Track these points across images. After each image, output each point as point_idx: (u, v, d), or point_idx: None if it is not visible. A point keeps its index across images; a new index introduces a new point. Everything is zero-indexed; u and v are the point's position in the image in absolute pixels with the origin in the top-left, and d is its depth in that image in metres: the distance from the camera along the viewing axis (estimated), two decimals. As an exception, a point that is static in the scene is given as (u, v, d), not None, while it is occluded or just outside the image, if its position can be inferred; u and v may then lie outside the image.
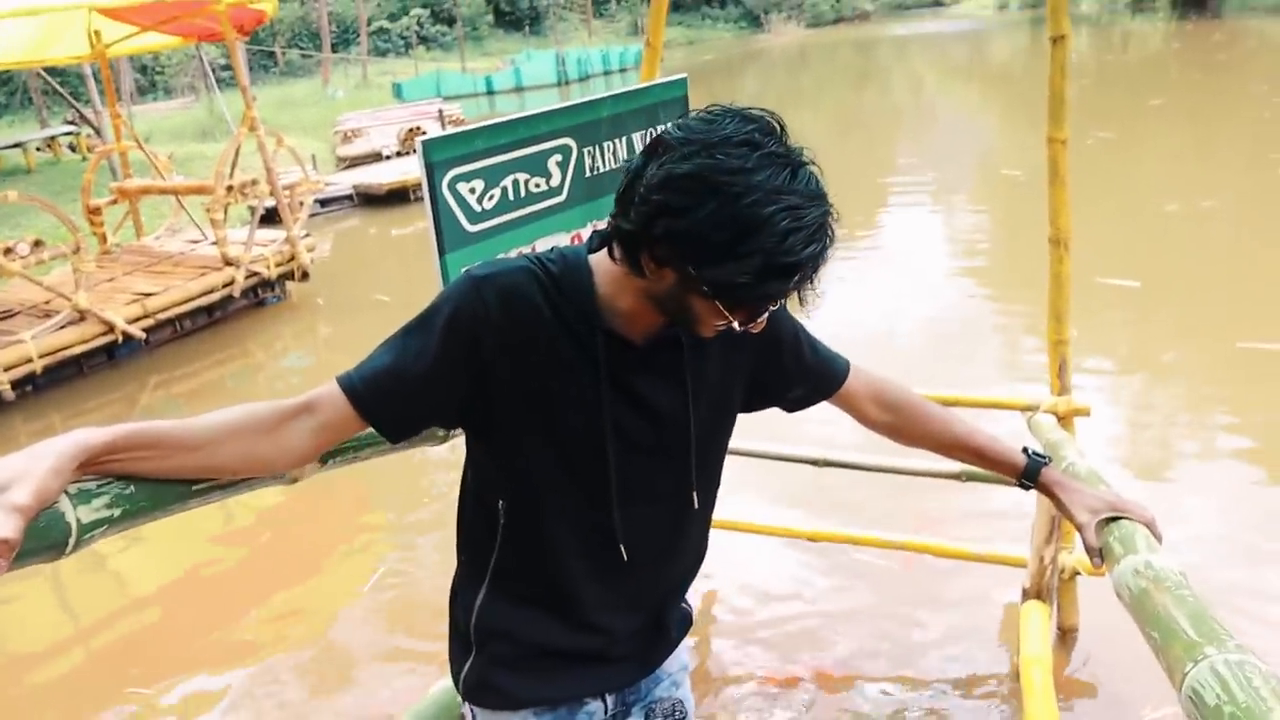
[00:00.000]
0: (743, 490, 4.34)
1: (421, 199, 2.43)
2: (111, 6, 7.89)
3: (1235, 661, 1.01)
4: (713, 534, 3.67)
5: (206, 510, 4.88)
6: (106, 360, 7.43)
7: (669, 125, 1.20)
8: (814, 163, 1.18)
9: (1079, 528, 1.55)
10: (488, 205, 2.60)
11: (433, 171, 2.43)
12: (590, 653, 1.47)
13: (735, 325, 1.22)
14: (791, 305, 1.27)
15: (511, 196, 2.66)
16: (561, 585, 1.43)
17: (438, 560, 4.02)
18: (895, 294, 7.56)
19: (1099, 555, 1.52)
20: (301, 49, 35.97)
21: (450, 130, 2.52)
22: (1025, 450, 1.62)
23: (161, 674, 3.41)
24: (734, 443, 3.23)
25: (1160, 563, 1.38)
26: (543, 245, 2.68)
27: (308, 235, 9.35)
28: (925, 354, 6.20)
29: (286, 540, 4.54)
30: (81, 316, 7.09)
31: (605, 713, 1.52)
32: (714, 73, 30.17)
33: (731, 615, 3.60)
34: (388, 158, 15.81)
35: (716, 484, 1.51)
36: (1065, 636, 3.18)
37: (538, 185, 2.74)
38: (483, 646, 1.46)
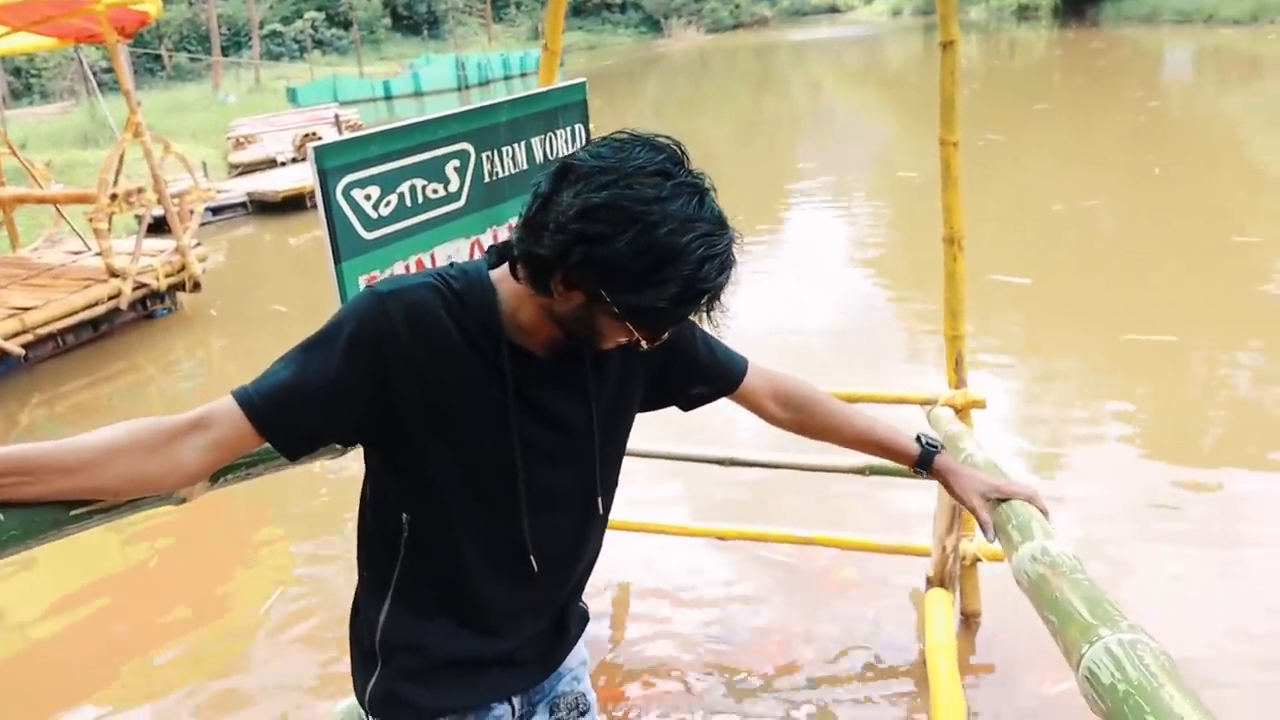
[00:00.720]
0: (651, 492, 4.35)
1: (318, 207, 2.36)
2: (-20, 6, 7.49)
3: (1128, 641, 1.04)
4: (623, 535, 3.68)
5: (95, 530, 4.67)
6: (-17, 379, 7.06)
7: (578, 151, 1.22)
8: (714, 189, 1.21)
9: (972, 509, 1.65)
10: (384, 212, 2.54)
11: (326, 179, 2.36)
12: (497, 658, 1.46)
13: (643, 343, 1.25)
14: (701, 323, 1.28)
15: (409, 203, 2.60)
16: (467, 595, 1.42)
17: (336, 577, 3.92)
18: (797, 294, 7.69)
19: (994, 532, 1.62)
20: (190, 52, 34.82)
21: (345, 136, 2.45)
22: (919, 439, 1.69)
23: (44, 711, 3.23)
24: (642, 445, 3.25)
25: (1055, 548, 1.42)
26: (442, 251, 2.64)
27: (199, 244, 9.03)
28: (827, 352, 6.32)
29: (179, 563, 4.36)
30: (-47, 334, 6.72)
31: (513, 715, 1.52)
32: (615, 77, 30.26)
33: (640, 612, 3.59)
34: (283, 164, 15.41)
35: (615, 486, 1.52)
36: (968, 622, 3.27)
37: (435, 191, 2.69)
38: (388, 660, 1.43)
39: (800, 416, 1.66)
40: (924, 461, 1.68)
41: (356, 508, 1.49)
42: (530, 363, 1.32)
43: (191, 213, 9.00)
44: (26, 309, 7.30)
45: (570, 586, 1.55)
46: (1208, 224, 8.71)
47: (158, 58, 33.01)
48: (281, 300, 8.68)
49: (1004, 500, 1.63)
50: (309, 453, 1.32)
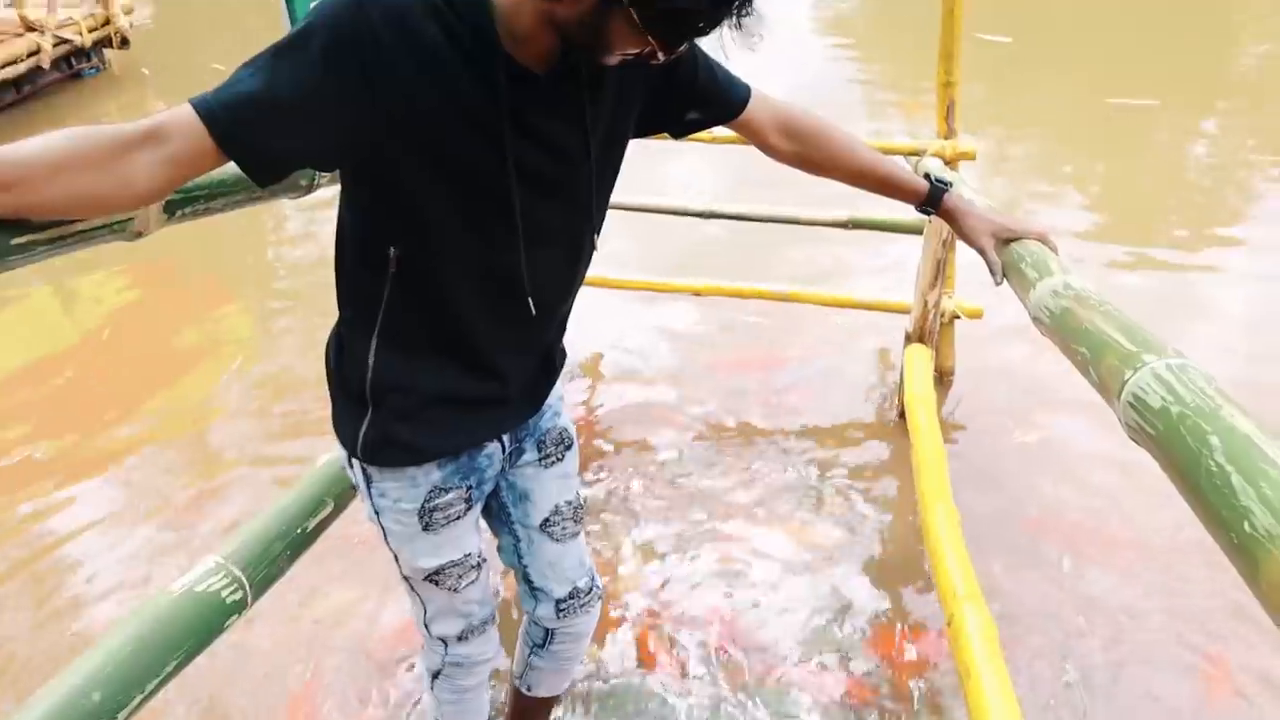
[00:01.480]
0: (625, 247, 4.26)
1: None
2: None
3: (1177, 365, 0.98)
4: (600, 292, 3.61)
5: (44, 306, 4.48)
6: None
7: None
8: None
9: (980, 249, 1.58)
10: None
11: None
12: (489, 397, 1.41)
13: (659, 55, 1.10)
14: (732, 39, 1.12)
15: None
16: (460, 333, 1.34)
17: (297, 339, 3.83)
18: (762, 57, 7.32)
19: (1002, 273, 1.56)
20: None
21: None
22: (928, 177, 1.62)
23: (13, 486, 3.18)
24: (619, 198, 3.11)
25: (1079, 282, 1.35)
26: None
27: (122, -3, 8.33)
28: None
29: (137, 336, 4.23)
30: None
31: (503, 451, 1.49)
32: None
33: (616, 371, 3.59)
34: (206, -91, 14.04)
35: (604, 218, 1.42)
36: (943, 379, 3.30)
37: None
38: (381, 402, 1.35)
39: (804, 149, 1.55)
40: (932, 199, 1.60)
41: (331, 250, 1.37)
42: (525, 80, 1.18)
43: (110, -41, 8.22)
44: (-62, 66, 6.76)
45: (559, 323, 1.49)
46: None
47: None
48: (220, 58, 8.09)
49: (1013, 241, 1.57)
50: (277, 177, 1.17)
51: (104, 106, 7.65)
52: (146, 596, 1.34)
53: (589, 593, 1.68)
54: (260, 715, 2.20)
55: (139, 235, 1.30)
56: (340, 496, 1.72)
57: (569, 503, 1.62)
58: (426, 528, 1.43)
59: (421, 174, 1.18)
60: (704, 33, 1.10)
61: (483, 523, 1.61)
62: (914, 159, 2.78)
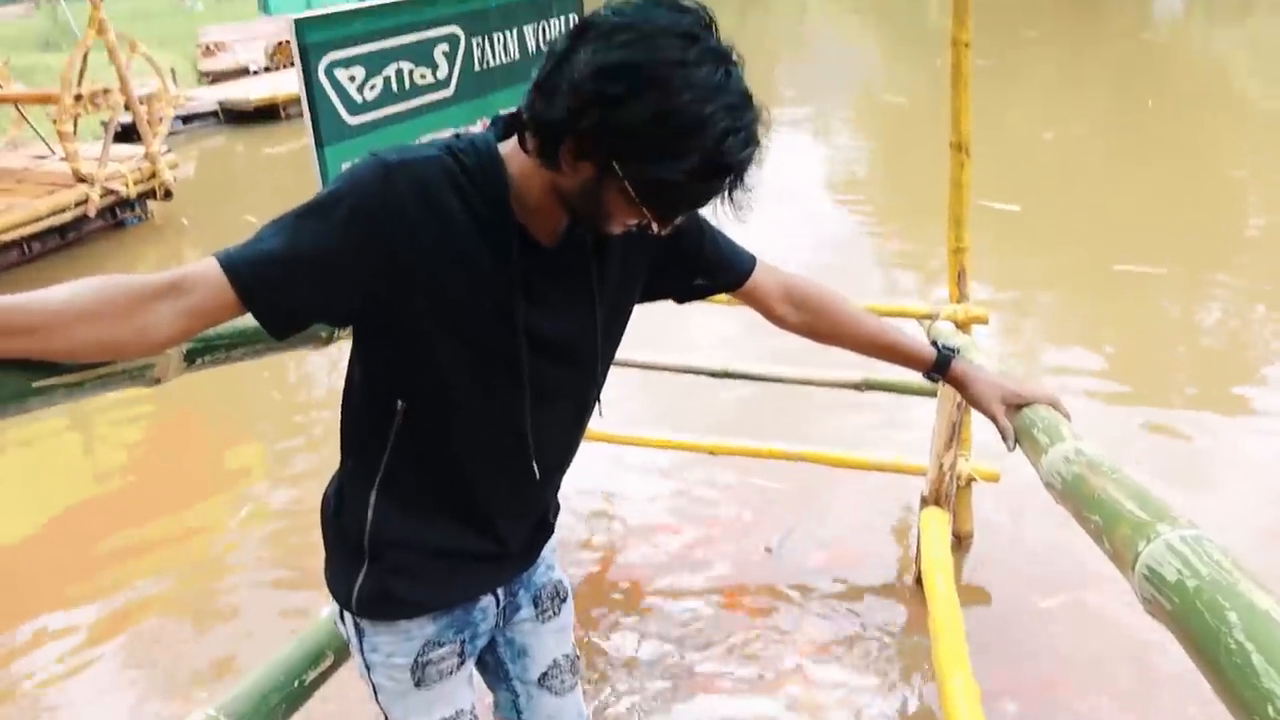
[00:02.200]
0: (639, 406, 4.28)
1: (294, 116, 2.23)
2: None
3: (1191, 537, 0.97)
4: (613, 449, 3.60)
5: (63, 443, 4.51)
6: (-56, 285, 6.84)
7: (600, 9, 1.10)
8: (742, 61, 1.10)
9: (991, 416, 1.58)
10: (369, 96, 2.40)
11: (308, 54, 2.21)
12: (487, 554, 1.41)
13: (654, 226, 1.15)
14: (722, 210, 1.18)
15: (395, 88, 2.47)
16: (461, 490, 1.35)
17: (312, 489, 3.82)
18: (781, 223, 7.54)
19: (1014, 439, 1.56)
20: (156, -43, 33.47)
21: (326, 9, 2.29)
22: (934, 344, 1.63)
23: (16, 619, 3.13)
24: (635, 356, 3.15)
25: (1090, 449, 1.35)
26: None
27: (169, 151, 8.74)
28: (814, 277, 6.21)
29: (152, 476, 4.25)
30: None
31: (497, 606, 1.49)
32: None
33: (627, 528, 3.54)
34: (255, 73, 14.90)
35: (605, 380, 1.45)
36: (960, 543, 3.24)
37: (424, 77, 2.55)
38: (378, 556, 1.35)
39: (810, 318, 1.58)
40: (940, 366, 1.61)
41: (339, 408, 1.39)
42: (536, 252, 1.23)
43: (161, 119, 8.68)
44: (-11, 213, 7.06)
45: (559, 482, 1.51)
46: (1198, 157, 8.61)
47: (123, -39, 31.77)
48: (256, 211, 8.39)
49: (1024, 406, 1.57)
50: (295, 331, 1.20)
51: (144, 254, 7.91)
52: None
53: None
54: None
55: (157, 382, 1.33)
56: (341, 650, 1.68)
57: (566, 656, 1.61)
58: (419, 684, 1.40)
59: (433, 337, 1.21)
60: (696, 206, 1.16)
61: (477, 677, 1.58)
62: (927, 322, 2.82)
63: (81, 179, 7.63)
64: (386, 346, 1.26)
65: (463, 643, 1.43)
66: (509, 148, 1.20)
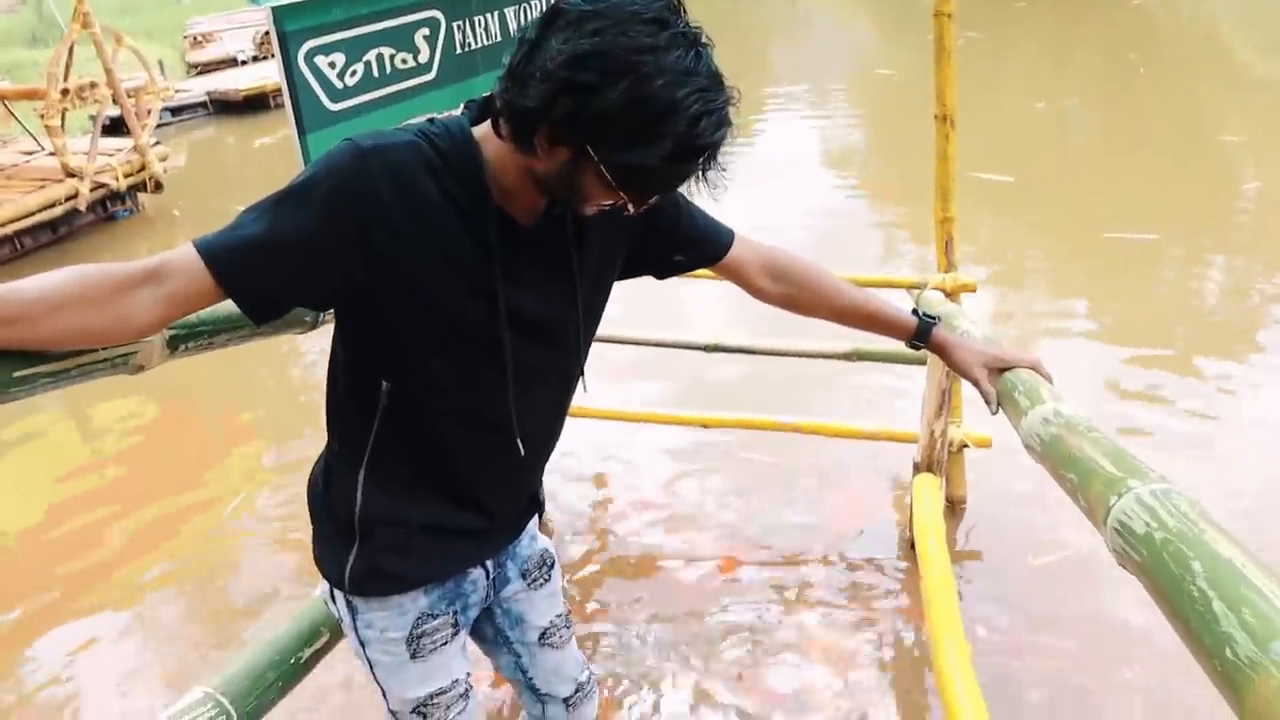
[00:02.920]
0: (629, 381, 4.29)
1: (282, 105, 2.24)
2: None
3: (1160, 490, 0.98)
4: (602, 423, 3.61)
5: (60, 434, 4.52)
6: (-62, 283, 6.81)
7: None
8: (711, 44, 1.11)
9: (974, 381, 1.60)
10: (350, 82, 2.40)
11: (286, 43, 2.21)
12: (475, 529, 1.44)
13: (630, 208, 1.16)
14: (697, 190, 1.20)
15: (376, 73, 2.46)
16: (449, 468, 1.37)
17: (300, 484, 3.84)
18: (775, 194, 7.54)
19: (996, 403, 1.58)
20: (140, -52, 33.20)
21: (303, -4, 2.28)
22: (915, 312, 1.65)
23: (18, 603, 3.16)
24: (623, 331, 3.16)
25: (1068, 410, 1.36)
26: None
27: (158, 144, 8.71)
28: (807, 250, 6.21)
29: (149, 463, 4.27)
30: (-96, 235, 6.47)
31: (487, 577, 1.53)
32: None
33: (619, 504, 3.57)
34: (243, 63, 14.86)
35: (587, 358, 1.47)
36: (953, 508, 3.26)
37: (405, 61, 2.54)
38: (369, 534, 1.37)
39: (791, 290, 1.60)
40: (921, 334, 1.63)
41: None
42: (515, 232, 1.24)
43: (149, 111, 8.65)
44: (-21, 210, 7.05)
45: (546, 460, 1.54)
46: (1190, 123, 8.60)
47: (107, -47, 31.51)
48: (248, 201, 8.35)
49: (1006, 370, 1.59)
50: (275, 317, 1.21)
51: (136, 246, 7.91)
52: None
53: (588, 682, 1.79)
54: None
55: (140, 369, 1.34)
56: (336, 627, 1.69)
57: (560, 615, 1.70)
58: (414, 655, 1.42)
59: (414, 320, 1.22)
60: (671, 188, 1.17)
61: (474, 648, 1.62)
62: (915, 292, 2.83)
63: (71, 173, 7.62)
64: (368, 330, 1.27)
65: (455, 614, 1.47)
66: (483, 131, 1.21)
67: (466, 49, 2.72)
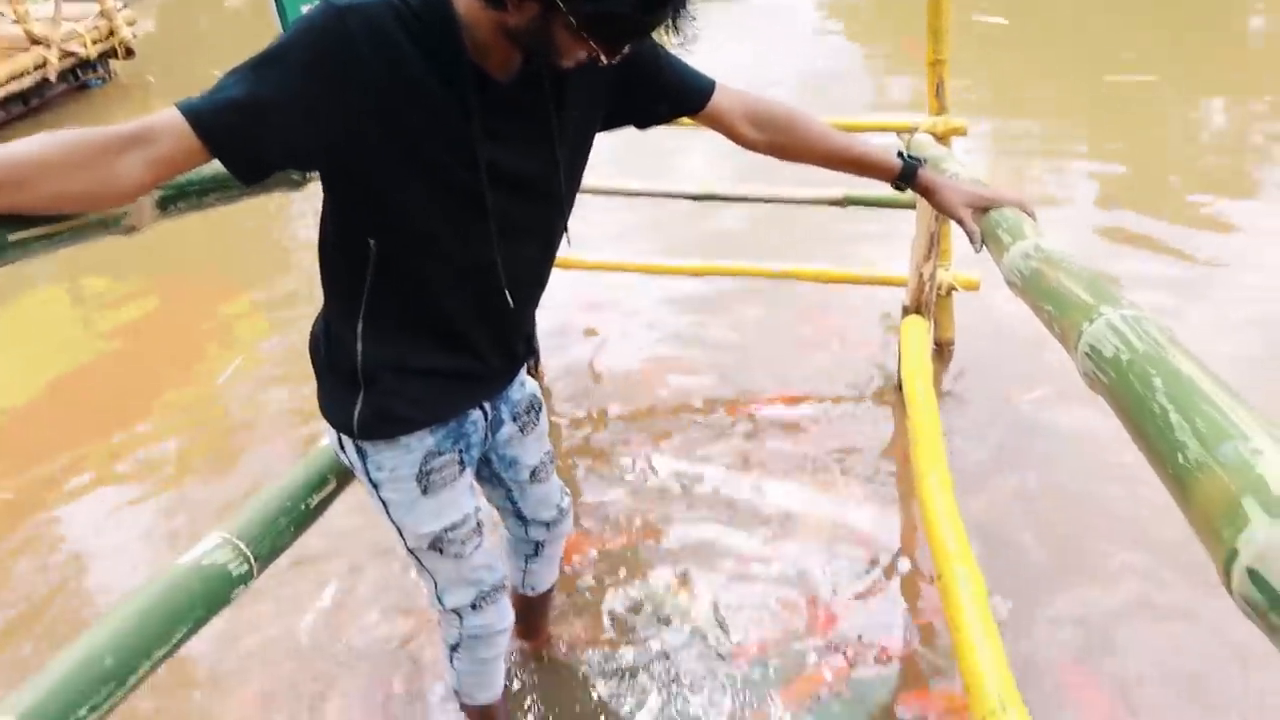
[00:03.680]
0: (620, 230, 4.30)
1: None
2: None
3: (1131, 317, 1.01)
4: (594, 274, 3.64)
5: (54, 310, 4.53)
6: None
7: None
8: None
9: (958, 220, 1.63)
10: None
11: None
12: (473, 373, 1.50)
13: (602, 58, 1.16)
14: (668, 38, 1.19)
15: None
16: (443, 320, 1.42)
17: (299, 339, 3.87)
18: (771, 42, 7.34)
19: (980, 241, 1.60)
20: None
21: None
22: (900, 154, 1.66)
23: (30, 472, 3.24)
24: (612, 183, 3.14)
25: (1049, 244, 1.38)
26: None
27: (125, 8, 8.40)
28: (798, 98, 6.11)
29: (148, 335, 4.30)
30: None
31: (485, 419, 1.60)
32: None
33: (613, 352, 3.64)
34: (206, -84, 14.12)
35: (572, 209, 1.49)
36: (941, 351, 3.32)
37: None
38: (374, 380, 1.42)
39: (776, 136, 1.59)
40: (906, 176, 1.65)
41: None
42: (492, 88, 1.24)
43: (112, -29, 8.30)
44: (-53, 81, 6.86)
45: (535, 308, 1.57)
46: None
47: None
48: (221, 65, 8.08)
49: (990, 210, 1.61)
50: (262, 178, 1.22)
51: (112, 114, 7.72)
52: (158, 570, 1.39)
53: (567, 506, 1.94)
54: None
55: (132, 230, 1.35)
56: (343, 475, 1.76)
57: (547, 452, 1.82)
58: (425, 491, 1.50)
59: (397, 175, 1.24)
60: (640, 36, 1.16)
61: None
62: (906, 136, 2.81)
63: (36, 41, 7.37)
64: (352, 188, 1.28)
65: (460, 452, 1.54)
66: None
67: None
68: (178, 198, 1.39)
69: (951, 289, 3.13)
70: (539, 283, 1.52)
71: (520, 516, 1.87)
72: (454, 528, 1.56)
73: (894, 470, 2.86)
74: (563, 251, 1.56)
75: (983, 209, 1.61)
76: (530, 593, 2.08)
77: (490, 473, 1.76)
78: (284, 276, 4.68)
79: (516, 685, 2.20)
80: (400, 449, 1.48)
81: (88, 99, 7.93)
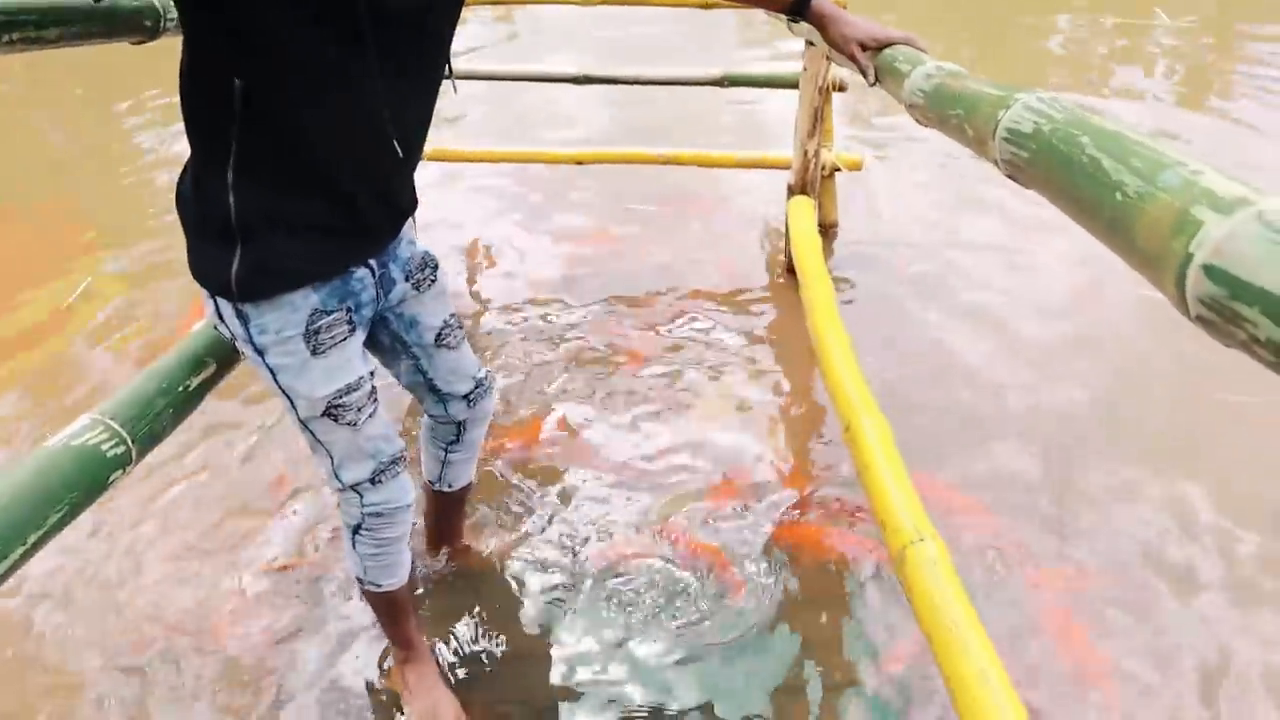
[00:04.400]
0: (499, 118, 4.16)
1: None
2: None
3: (1048, 97, 1.00)
4: (471, 166, 3.50)
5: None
6: None
7: None
8: None
9: (850, 55, 1.62)
10: None
11: None
12: (354, 228, 1.40)
13: None
14: None
15: None
16: (318, 167, 1.31)
17: (149, 255, 3.63)
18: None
19: (874, 76, 1.60)
20: None
21: None
22: None
23: None
24: (497, 68, 3.02)
25: (951, 66, 1.37)
26: None
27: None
28: None
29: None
30: None
31: (372, 276, 1.50)
32: None
33: (505, 246, 3.54)
34: None
35: (449, 56, 1.42)
36: (826, 233, 3.35)
37: None
38: (250, 234, 1.31)
39: None
40: (799, 8, 1.62)
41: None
42: None
43: None
44: None
45: (418, 157, 1.47)
46: None
47: None
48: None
49: (885, 48, 1.60)
50: None
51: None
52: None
53: (486, 379, 1.82)
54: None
55: (-37, 57, 1.20)
56: (223, 358, 1.64)
57: (453, 315, 1.71)
58: (315, 351, 1.40)
59: (263, 2, 1.13)
60: None
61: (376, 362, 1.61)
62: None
63: None
64: (215, 18, 1.16)
65: (349, 310, 1.44)
66: None
67: None
68: (12, 27, 1.24)
69: (835, 170, 3.15)
70: (422, 127, 1.42)
71: (435, 390, 1.76)
72: (347, 391, 1.46)
73: (789, 348, 2.88)
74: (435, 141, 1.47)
75: (876, 48, 1.60)
76: (447, 489, 1.97)
77: (392, 339, 1.65)
78: (120, 199, 4.36)
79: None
80: (285, 307, 1.37)
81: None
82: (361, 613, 2.01)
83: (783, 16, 1.78)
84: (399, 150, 1.33)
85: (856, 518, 2.20)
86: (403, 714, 1.80)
